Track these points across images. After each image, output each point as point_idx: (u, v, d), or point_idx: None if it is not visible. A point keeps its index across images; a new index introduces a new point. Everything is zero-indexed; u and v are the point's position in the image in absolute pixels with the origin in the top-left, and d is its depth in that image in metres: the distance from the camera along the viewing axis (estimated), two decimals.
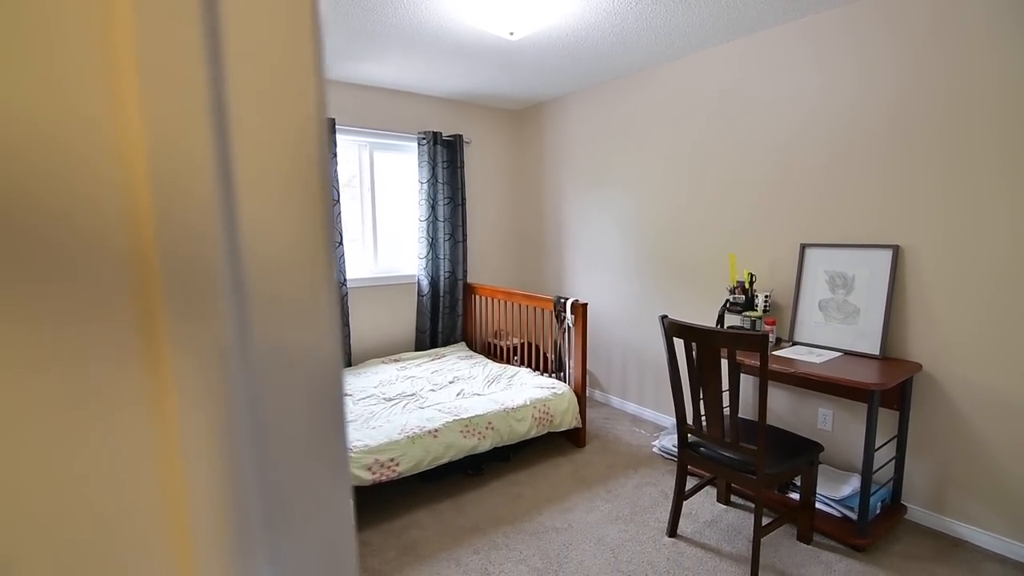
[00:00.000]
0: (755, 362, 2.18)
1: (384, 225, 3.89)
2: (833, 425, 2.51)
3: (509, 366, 3.42)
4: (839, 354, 2.32)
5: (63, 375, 0.19)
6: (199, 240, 0.20)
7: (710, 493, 2.52)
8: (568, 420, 2.92)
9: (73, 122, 0.18)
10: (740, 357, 2.31)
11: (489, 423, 2.61)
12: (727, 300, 2.69)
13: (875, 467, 2.14)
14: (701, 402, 2.02)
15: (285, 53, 0.22)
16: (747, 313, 2.59)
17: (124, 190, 0.19)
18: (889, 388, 1.99)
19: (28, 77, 0.17)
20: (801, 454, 1.99)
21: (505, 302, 3.71)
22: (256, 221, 0.22)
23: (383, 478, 2.26)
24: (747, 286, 2.64)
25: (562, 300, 3.07)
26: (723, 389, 1.98)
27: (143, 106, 0.19)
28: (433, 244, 3.89)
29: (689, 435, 2.13)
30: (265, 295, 0.22)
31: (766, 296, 2.59)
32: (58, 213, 0.18)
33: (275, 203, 0.22)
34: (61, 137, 0.18)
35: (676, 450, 2.81)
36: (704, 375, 1.96)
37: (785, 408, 2.70)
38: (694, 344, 1.96)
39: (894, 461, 2.27)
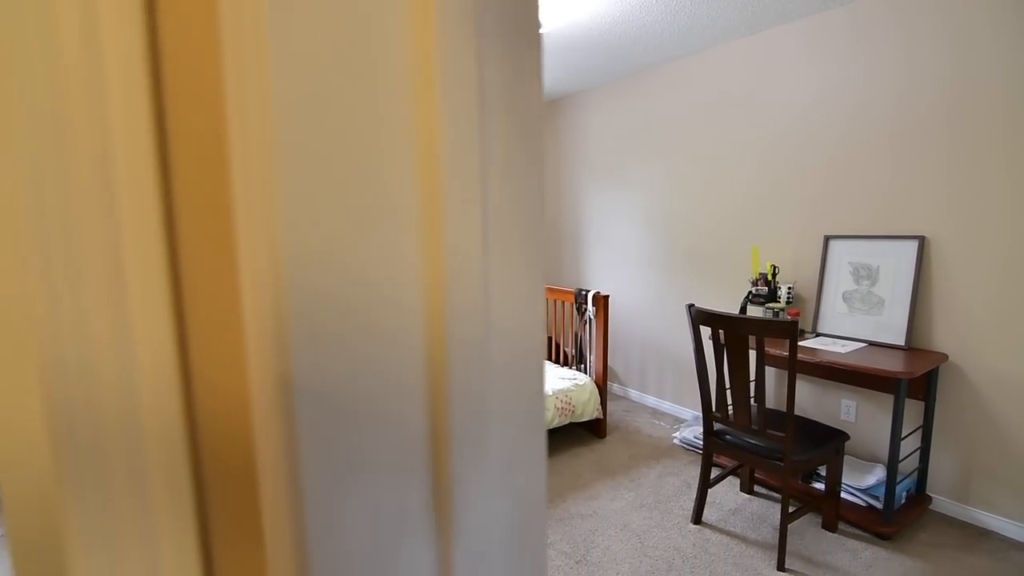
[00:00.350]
0: (781, 351, 2.19)
1: None
2: (856, 416, 2.52)
3: None
4: (864, 344, 2.33)
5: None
6: (473, 330, 0.31)
7: (733, 483, 2.54)
8: (590, 411, 2.95)
9: (406, 268, 0.29)
10: (766, 348, 2.33)
11: None
12: (749, 292, 2.70)
13: (901, 456, 2.15)
14: (728, 391, 2.04)
15: (521, 210, 0.33)
16: (770, 305, 2.60)
17: (429, 313, 0.30)
18: (916, 377, 2.00)
19: (385, 241, 0.28)
20: (827, 442, 2.01)
21: None
22: (502, 318, 0.33)
23: None
24: (770, 278, 2.65)
25: (583, 292, 3.10)
26: (749, 379, 2.00)
27: (448, 256, 0.30)
28: None
29: (715, 423, 2.15)
30: (504, 349, 0.33)
31: (789, 288, 2.61)
32: (390, 329, 0.28)
33: (513, 302, 0.33)
34: (400, 275, 0.28)
35: (697, 442, 2.83)
36: (732, 363, 1.98)
37: (808, 400, 2.72)
38: (722, 332, 1.99)
39: (919, 451, 2.28)
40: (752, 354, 2.66)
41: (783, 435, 1.87)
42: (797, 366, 2.58)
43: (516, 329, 0.32)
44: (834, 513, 2.14)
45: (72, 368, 0.24)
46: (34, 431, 0.25)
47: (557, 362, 3.51)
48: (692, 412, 3.30)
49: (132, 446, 0.25)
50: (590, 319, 3.09)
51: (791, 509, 2.21)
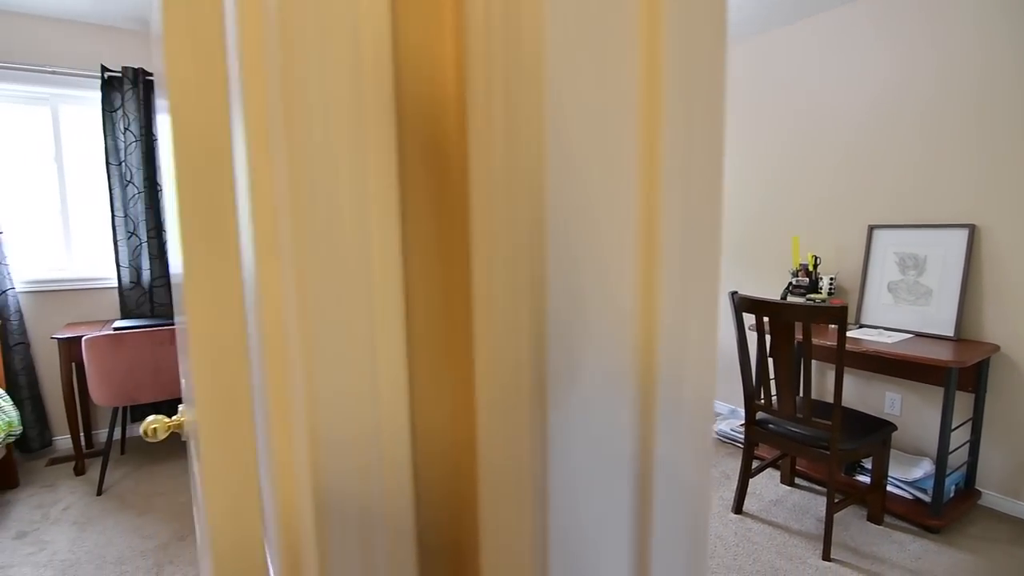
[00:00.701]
0: (825, 341, 2.17)
1: None
2: (901, 409, 2.47)
3: None
4: (910, 335, 2.29)
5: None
6: (673, 391, 0.35)
7: (773, 475, 2.51)
8: None
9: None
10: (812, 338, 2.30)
11: None
12: (790, 283, 2.68)
13: (950, 448, 2.11)
14: (772, 380, 2.03)
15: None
16: (811, 296, 2.57)
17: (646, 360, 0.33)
18: (967, 367, 1.96)
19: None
20: (874, 432, 1.98)
21: None
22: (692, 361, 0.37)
23: None
24: (811, 268, 2.62)
25: None
26: (793, 368, 1.99)
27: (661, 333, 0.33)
28: None
29: (757, 412, 2.14)
30: (691, 382, 0.37)
31: (831, 279, 2.57)
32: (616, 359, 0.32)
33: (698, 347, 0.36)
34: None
35: (734, 434, 2.81)
36: (776, 350, 1.97)
37: (851, 392, 2.67)
38: (766, 319, 1.98)
39: (968, 445, 2.23)
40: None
41: (829, 423, 1.86)
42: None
43: (698, 373, 0.35)
44: (880, 505, 2.10)
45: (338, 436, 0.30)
46: (303, 496, 0.29)
47: None
48: (727, 406, 3.27)
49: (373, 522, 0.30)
50: None
51: (835, 500, 2.19)
